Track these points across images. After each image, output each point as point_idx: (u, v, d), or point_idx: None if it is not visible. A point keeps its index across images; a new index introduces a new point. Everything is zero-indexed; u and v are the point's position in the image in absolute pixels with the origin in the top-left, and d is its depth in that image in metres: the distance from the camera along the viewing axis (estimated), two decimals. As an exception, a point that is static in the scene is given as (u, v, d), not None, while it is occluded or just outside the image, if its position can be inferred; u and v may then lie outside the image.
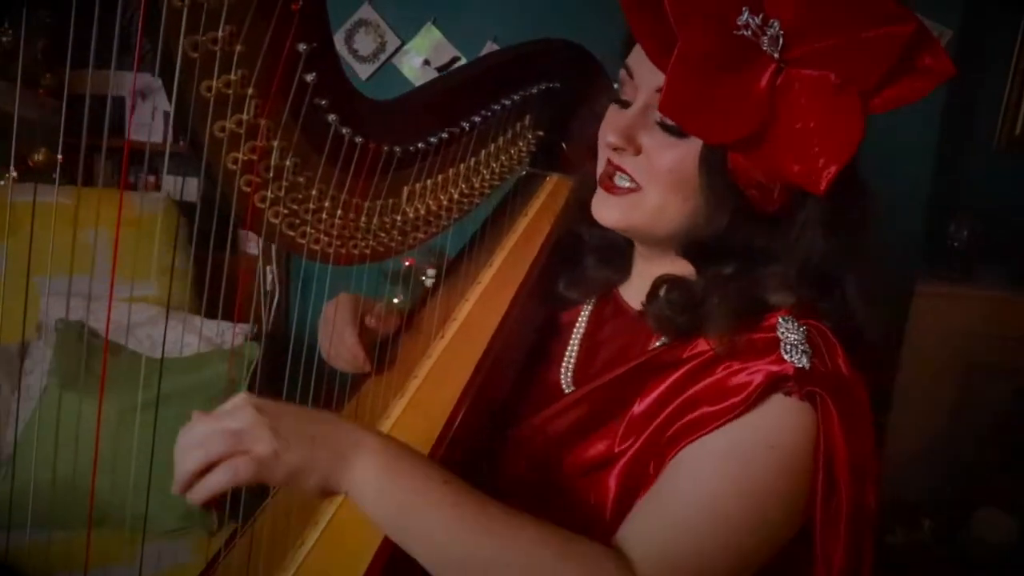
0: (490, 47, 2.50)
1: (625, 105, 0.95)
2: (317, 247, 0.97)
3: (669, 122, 0.89)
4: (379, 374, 1.12)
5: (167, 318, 2.19)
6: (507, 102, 1.10)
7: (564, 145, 1.20)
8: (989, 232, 2.67)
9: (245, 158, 0.88)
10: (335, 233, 0.98)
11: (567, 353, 1.08)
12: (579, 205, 1.07)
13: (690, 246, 0.95)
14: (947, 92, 2.43)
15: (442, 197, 1.08)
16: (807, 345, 0.87)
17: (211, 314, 2.16)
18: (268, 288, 2.47)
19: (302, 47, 0.87)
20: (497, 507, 0.79)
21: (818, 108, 0.82)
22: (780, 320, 0.89)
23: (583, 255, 1.11)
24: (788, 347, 0.86)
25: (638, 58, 0.92)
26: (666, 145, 0.90)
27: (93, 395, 1.85)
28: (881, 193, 0.94)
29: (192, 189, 2.76)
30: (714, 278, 0.93)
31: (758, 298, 0.92)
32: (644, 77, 0.91)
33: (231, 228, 0.92)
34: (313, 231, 0.96)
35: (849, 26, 0.81)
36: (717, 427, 0.85)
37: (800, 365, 0.85)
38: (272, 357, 2.19)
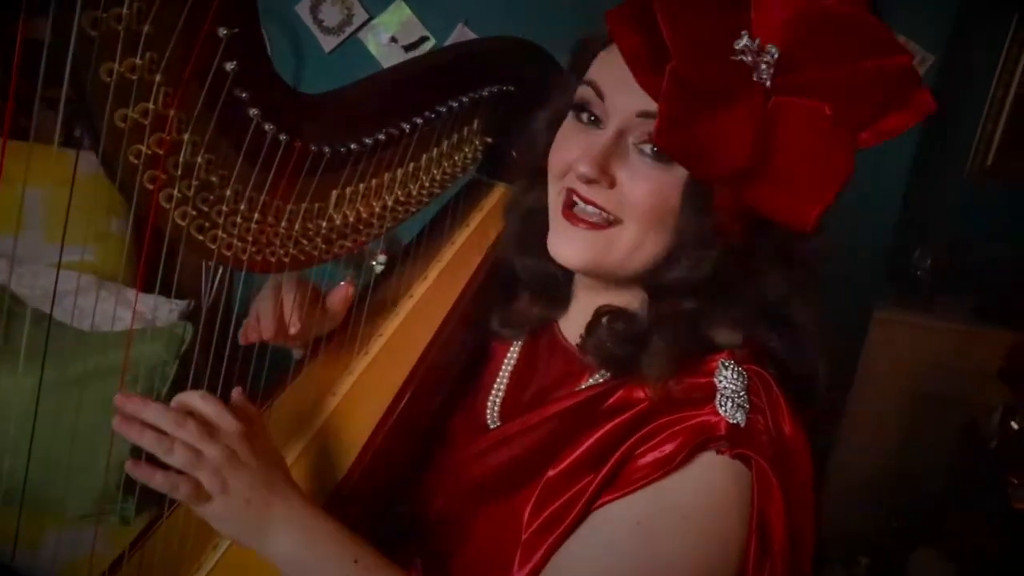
0: (461, 30, 2.40)
1: (590, 122, 0.87)
2: (229, 253, 0.88)
3: (651, 149, 0.81)
4: (294, 386, 1.04)
5: (116, 292, 2.07)
6: (454, 104, 1.02)
7: (515, 154, 1.11)
8: (954, 262, 2.63)
9: (149, 152, 0.80)
10: (251, 239, 0.89)
11: (496, 384, 1.01)
12: (516, 235, 0.99)
13: (655, 281, 0.87)
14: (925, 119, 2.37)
15: (375, 204, 0.99)
16: (745, 397, 0.80)
17: (151, 287, 2.05)
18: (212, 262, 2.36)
19: (222, 31, 0.78)
20: None
21: (809, 141, 0.75)
22: (720, 365, 0.82)
23: (519, 287, 1.03)
24: (723, 399, 0.80)
25: (608, 76, 0.84)
26: (646, 175, 0.82)
27: (10, 367, 1.74)
28: (848, 216, 0.91)
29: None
30: (666, 311, 0.86)
31: (705, 336, 0.85)
32: (618, 99, 0.83)
33: (130, 223, 0.84)
34: (225, 236, 0.87)
35: (846, 55, 0.75)
36: (633, 490, 0.78)
37: (734, 422, 0.78)
38: (209, 334, 2.10)
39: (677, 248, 0.83)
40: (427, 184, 1.04)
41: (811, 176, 0.76)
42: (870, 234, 2.45)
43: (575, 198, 0.85)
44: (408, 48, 2.42)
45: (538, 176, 0.95)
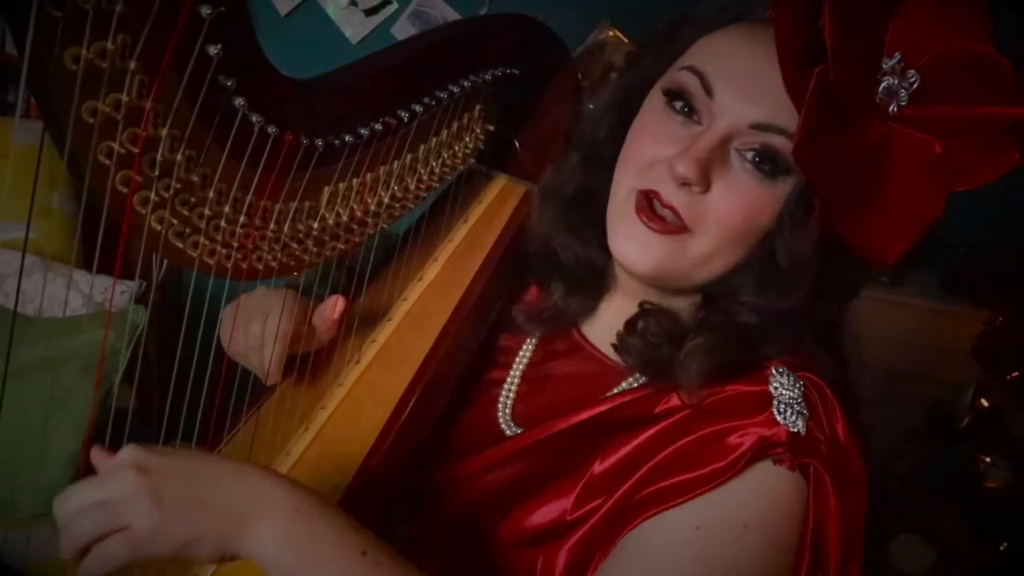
0: (425, -7, 2.29)
1: (683, 113, 0.79)
2: (211, 260, 0.79)
3: (754, 158, 0.75)
4: (281, 398, 0.95)
5: (62, 273, 1.94)
6: (455, 89, 0.92)
7: (517, 144, 1.02)
8: (924, 238, 2.61)
9: (123, 150, 0.69)
10: (235, 244, 0.79)
11: (506, 387, 0.94)
12: (561, 220, 0.91)
13: (715, 290, 0.82)
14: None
15: (369, 200, 0.90)
16: (803, 404, 0.76)
17: (100, 266, 1.93)
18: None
19: (206, 11, 0.68)
20: None
21: (914, 176, 0.72)
22: (774, 372, 0.77)
23: (552, 278, 0.94)
24: (782, 407, 0.75)
25: (722, 71, 0.77)
26: (744, 187, 0.76)
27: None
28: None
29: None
30: (719, 320, 0.81)
31: (751, 347, 0.80)
32: (730, 101, 0.75)
33: (100, 231, 0.73)
34: (208, 241, 0.77)
35: (975, 98, 0.71)
36: (689, 498, 0.73)
37: (795, 430, 0.74)
38: (163, 318, 1.99)
39: (762, 270, 0.78)
40: (425, 177, 0.95)
41: (904, 212, 0.73)
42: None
43: (653, 197, 0.78)
44: (369, 12, 2.31)
45: (594, 157, 0.88)
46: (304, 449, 0.90)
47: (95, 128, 0.68)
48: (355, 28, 2.32)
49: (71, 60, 0.65)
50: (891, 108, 0.72)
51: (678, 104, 0.79)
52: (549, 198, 0.92)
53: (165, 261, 0.79)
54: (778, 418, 0.75)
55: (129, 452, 0.65)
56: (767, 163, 0.75)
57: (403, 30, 2.31)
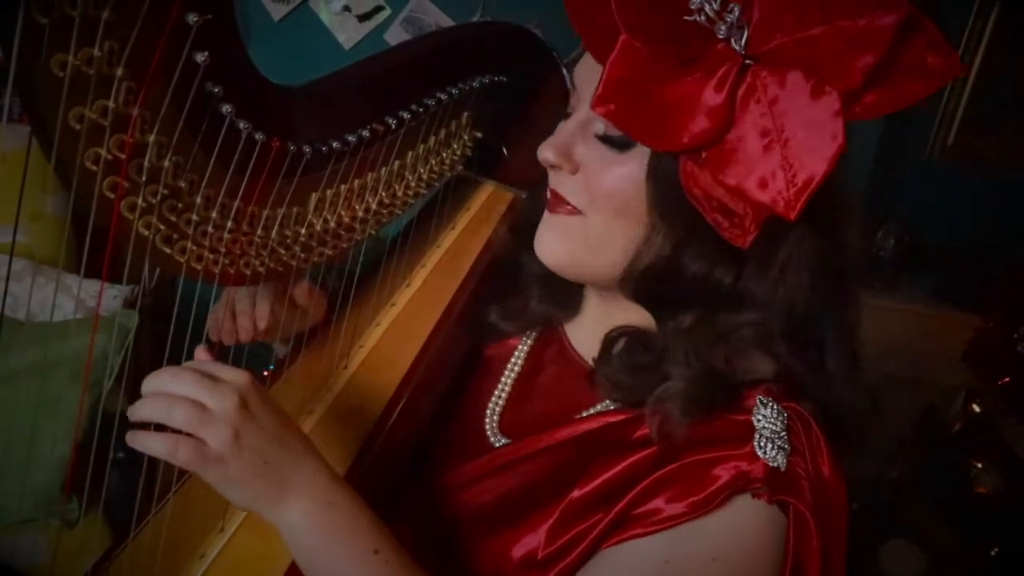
0: (417, 0, 2.29)
1: (567, 118, 0.81)
2: (199, 265, 0.79)
3: (610, 132, 0.76)
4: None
5: (52, 277, 1.93)
6: (443, 96, 0.93)
7: (505, 151, 1.03)
8: (916, 244, 2.62)
9: (110, 156, 0.70)
10: (223, 249, 0.80)
11: (496, 393, 0.94)
12: (524, 226, 0.91)
13: (641, 286, 0.80)
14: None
15: (357, 207, 0.90)
16: (786, 438, 0.74)
17: (90, 270, 1.93)
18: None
19: (193, 18, 0.68)
20: None
21: (788, 114, 0.68)
22: (759, 402, 0.76)
23: (525, 283, 0.95)
24: (763, 440, 0.74)
25: (580, 71, 0.80)
26: (608, 161, 0.77)
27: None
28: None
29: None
30: (675, 331, 0.79)
31: (731, 373, 0.77)
32: (585, 89, 0.78)
33: (88, 236, 0.74)
34: (195, 247, 0.78)
35: (826, 15, 0.67)
36: (664, 528, 0.72)
37: (775, 465, 0.73)
38: (152, 322, 1.98)
39: (647, 241, 0.77)
40: (413, 184, 0.95)
41: (794, 155, 0.68)
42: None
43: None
44: (362, 18, 2.31)
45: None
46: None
47: (82, 134, 0.68)
48: (348, 34, 2.32)
49: (58, 66, 0.65)
50: (735, 48, 0.69)
51: (562, 110, 0.83)
52: (526, 211, 0.95)
53: (157, 267, 0.79)
54: (759, 452, 0.73)
55: (244, 381, 0.71)
56: (609, 139, 0.77)
57: (396, 36, 2.31)
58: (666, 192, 0.74)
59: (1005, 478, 2.21)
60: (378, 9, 2.32)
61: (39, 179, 2.07)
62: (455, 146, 1.00)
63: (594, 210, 0.79)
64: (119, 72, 0.68)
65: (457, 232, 1.04)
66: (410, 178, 0.95)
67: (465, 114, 0.99)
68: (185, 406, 0.68)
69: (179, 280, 0.84)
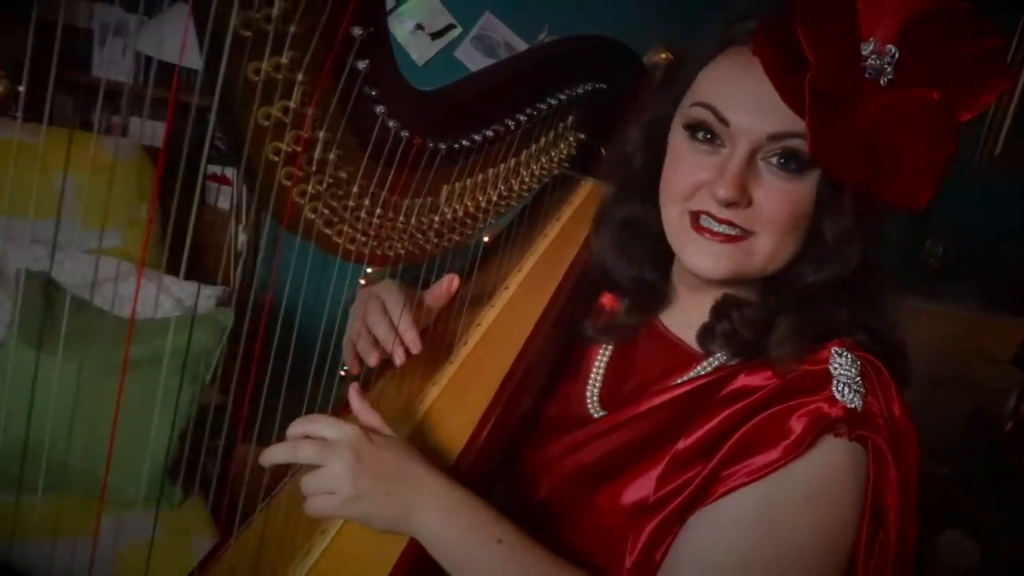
0: (488, 18, 2.42)
1: (708, 142, 0.88)
2: (352, 247, 0.90)
3: (779, 163, 0.84)
4: (394, 373, 1.05)
5: (155, 279, 2.07)
6: (554, 101, 1.04)
7: (603, 151, 1.14)
8: (964, 251, 2.69)
9: (288, 149, 0.81)
10: (372, 233, 0.91)
11: (593, 372, 1.03)
12: (613, 245, 1.01)
13: (795, 282, 0.90)
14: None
15: (480, 198, 1.01)
16: (860, 383, 0.83)
17: (179, 272, 2.07)
18: (238, 249, 2.37)
19: (357, 31, 0.80)
20: (545, 564, 0.85)
21: (920, 127, 0.80)
22: (834, 352, 0.85)
23: (607, 289, 1.05)
24: (840, 385, 0.82)
25: (728, 97, 0.86)
26: (780, 190, 0.85)
27: (56, 353, 1.75)
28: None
29: (158, 134, 2.63)
30: (782, 301, 0.90)
31: (824, 322, 0.88)
32: (744, 120, 0.85)
33: (267, 222, 0.85)
34: (350, 230, 0.89)
35: (952, 45, 0.80)
36: (759, 478, 0.81)
37: (852, 406, 0.81)
38: (237, 324, 2.11)
39: (815, 250, 0.87)
40: (526, 179, 1.06)
41: (923, 160, 0.80)
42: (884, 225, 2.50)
43: (703, 216, 0.88)
44: (434, 36, 2.44)
45: (633, 188, 0.99)
46: (418, 422, 1.01)
47: (268, 130, 0.80)
48: (421, 51, 2.45)
49: (253, 72, 0.77)
50: (882, 81, 0.80)
51: (700, 135, 0.88)
52: (602, 224, 1.03)
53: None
54: (837, 396, 0.81)
55: (352, 435, 0.85)
56: (791, 163, 0.84)
57: (466, 53, 2.44)
58: (834, 207, 0.84)
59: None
60: (450, 27, 2.45)
61: (136, 188, 2.22)
62: (561, 146, 1.11)
63: (766, 232, 0.86)
64: (299, 77, 0.79)
65: (561, 223, 1.15)
66: (524, 173, 1.06)
67: (570, 117, 1.11)
68: (311, 477, 0.83)
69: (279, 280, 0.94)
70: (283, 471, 1.01)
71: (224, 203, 2.59)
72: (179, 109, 2.48)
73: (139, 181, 2.21)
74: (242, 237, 2.38)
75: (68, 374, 1.75)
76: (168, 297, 2.01)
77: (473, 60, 2.49)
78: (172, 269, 2.11)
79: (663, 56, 2.34)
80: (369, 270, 1.05)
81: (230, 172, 2.56)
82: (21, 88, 2.42)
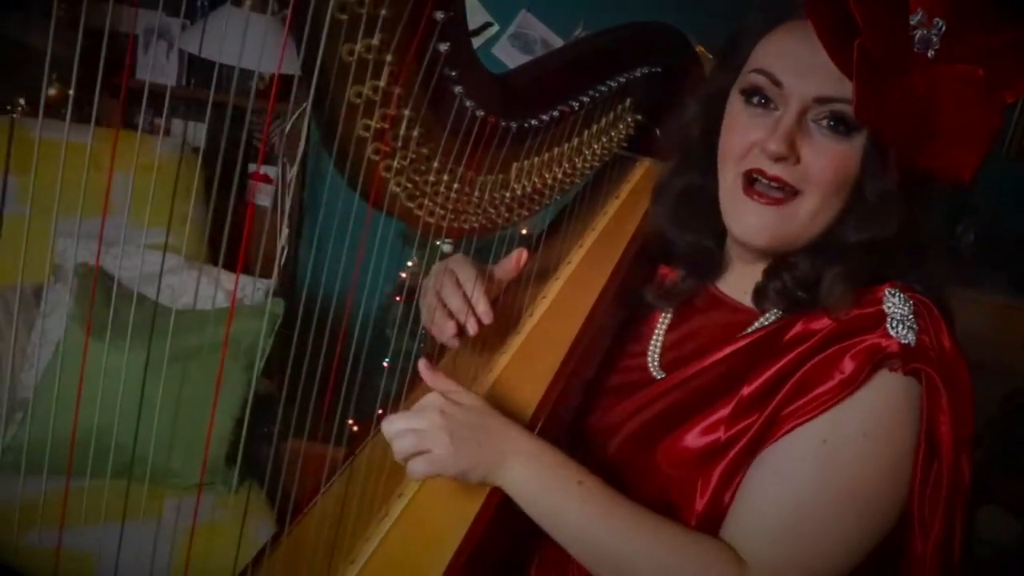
0: (524, 16, 2.48)
1: (761, 105, 0.94)
2: (432, 220, 0.96)
3: (828, 124, 0.89)
4: (464, 343, 1.10)
5: (206, 272, 2.15)
6: (613, 83, 1.09)
7: (658, 131, 1.19)
8: (994, 237, 2.72)
9: (377, 126, 0.87)
10: (450, 207, 0.96)
11: (654, 338, 1.08)
12: (671, 214, 1.06)
13: (836, 243, 0.94)
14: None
15: (547, 175, 1.07)
16: (913, 320, 0.88)
17: (226, 267, 2.14)
18: (281, 243, 2.44)
19: (440, 15, 0.85)
20: (623, 505, 0.90)
21: (967, 102, 0.84)
22: (887, 293, 0.90)
23: (665, 260, 1.11)
24: (894, 322, 0.87)
25: (781, 63, 0.92)
26: (828, 149, 0.90)
27: (115, 343, 1.81)
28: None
29: (200, 135, 2.70)
30: (829, 258, 0.94)
31: (871, 270, 0.93)
32: (795, 84, 0.90)
33: (356, 198, 0.90)
34: (430, 204, 0.95)
35: (996, 27, 0.84)
36: (817, 414, 0.86)
37: (906, 341, 0.86)
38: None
39: (858, 211, 0.91)
40: (588, 158, 1.12)
41: (969, 133, 0.85)
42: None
43: (756, 176, 0.93)
44: (472, 33, 2.48)
45: (691, 158, 1.04)
46: (488, 388, 1.06)
47: (360, 107, 0.85)
48: (457, 49, 2.50)
49: (347, 53, 0.82)
50: (929, 54, 0.85)
51: (755, 99, 0.94)
52: (661, 196, 1.08)
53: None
54: (891, 332, 0.86)
55: (436, 398, 0.90)
56: (840, 126, 0.89)
57: (504, 50, 2.49)
58: (880, 171, 0.89)
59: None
60: (487, 25, 2.50)
61: (184, 186, 2.28)
62: (620, 127, 1.16)
63: (811, 192, 0.91)
64: (389, 58, 0.85)
65: (620, 201, 1.20)
66: (586, 153, 1.11)
67: (628, 99, 1.16)
68: (404, 434, 0.88)
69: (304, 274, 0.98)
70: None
71: (263, 200, 2.66)
72: (220, 109, 2.54)
73: (187, 178, 2.28)
74: (285, 232, 2.45)
75: (131, 363, 1.81)
76: (220, 290, 2.07)
77: (511, 57, 2.54)
78: (226, 266, 2.17)
79: (698, 50, 2.39)
80: (446, 247, 1.10)
81: (271, 171, 2.63)
82: (71, 92, 2.50)
